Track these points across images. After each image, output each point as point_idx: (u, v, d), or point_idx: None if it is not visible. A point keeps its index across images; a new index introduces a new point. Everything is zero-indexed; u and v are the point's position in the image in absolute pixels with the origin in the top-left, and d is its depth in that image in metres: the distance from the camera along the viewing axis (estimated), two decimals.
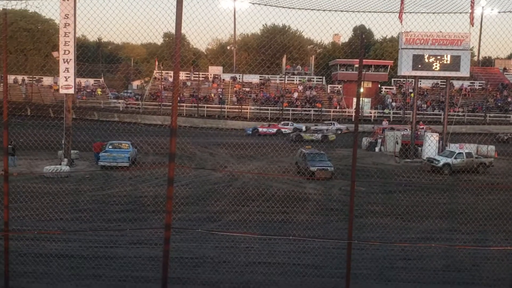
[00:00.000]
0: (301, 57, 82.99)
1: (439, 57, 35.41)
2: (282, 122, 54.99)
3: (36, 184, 22.32)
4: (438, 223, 18.20)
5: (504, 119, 61.89)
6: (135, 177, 26.31)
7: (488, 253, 13.75)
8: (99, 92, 65.58)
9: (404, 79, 65.01)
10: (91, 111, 58.35)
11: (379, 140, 41.66)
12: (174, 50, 8.88)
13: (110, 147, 29.97)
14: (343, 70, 67.95)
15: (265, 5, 9.65)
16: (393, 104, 65.63)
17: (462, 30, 35.68)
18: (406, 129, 43.02)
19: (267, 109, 61.99)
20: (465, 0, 27.26)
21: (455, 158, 31.20)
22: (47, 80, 64.64)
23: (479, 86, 69.66)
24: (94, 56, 71.47)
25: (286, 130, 50.75)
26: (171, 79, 64.21)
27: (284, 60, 71.37)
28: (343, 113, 62.97)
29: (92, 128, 46.75)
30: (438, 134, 36.89)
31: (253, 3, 9.66)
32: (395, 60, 49.18)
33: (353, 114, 59.23)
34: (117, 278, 11.40)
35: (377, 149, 41.12)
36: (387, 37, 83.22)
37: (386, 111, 63.70)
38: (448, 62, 35.41)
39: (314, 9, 10.53)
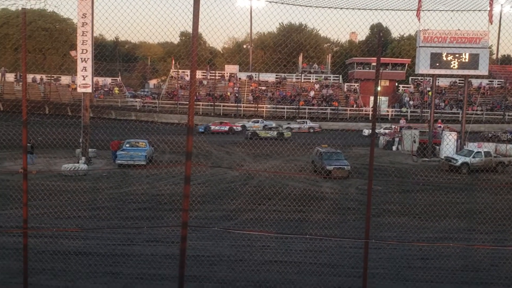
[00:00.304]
0: (318, 55, 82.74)
1: (457, 55, 35.07)
2: (253, 119, 54.91)
3: (55, 182, 22.50)
4: (456, 223, 18.03)
5: None
6: (152, 175, 26.45)
7: (507, 253, 13.60)
8: (117, 91, 66.01)
9: (422, 77, 64.56)
10: (109, 110, 58.77)
11: (397, 139, 41.40)
12: (191, 49, 8.90)
13: (127, 145, 30.19)
14: (360, 69, 67.71)
15: (282, 3, 9.62)
16: (411, 102, 65.19)
17: (481, 28, 35.29)
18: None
19: (283, 108, 61.94)
20: None
21: (474, 157, 30.90)
22: (65, 79, 65.20)
23: (497, 84, 68.92)
24: (111, 55, 72.01)
25: (238, 128, 50.60)
26: (187, 78, 64.51)
27: (300, 58, 71.27)
28: (359, 112, 62.67)
29: (110, 126, 47.10)
30: (456, 133, 36.57)
31: (270, 2, 9.63)
32: (413, 58, 48.93)
33: (370, 112, 59.02)
34: (134, 276, 11.47)
35: (394, 148, 40.88)
36: (405, 35, 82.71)
37: (404, 109, 63.30)
38: (467, 60, 35.05)
39: (331, 7, 10.48)
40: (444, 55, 35.04)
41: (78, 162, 28.24)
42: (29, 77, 61.29)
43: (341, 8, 10.47)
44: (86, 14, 28.16)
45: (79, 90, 30.12)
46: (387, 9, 11.02)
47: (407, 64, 66.29)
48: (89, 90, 29.82)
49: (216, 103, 61.81)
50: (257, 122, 53.50)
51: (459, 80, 65.57)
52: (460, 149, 34.09)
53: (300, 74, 68.84)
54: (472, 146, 33.41)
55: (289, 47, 65.00)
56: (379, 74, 9.78)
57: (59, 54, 70.34)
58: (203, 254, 13.28)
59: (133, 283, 11.07)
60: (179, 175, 24.69)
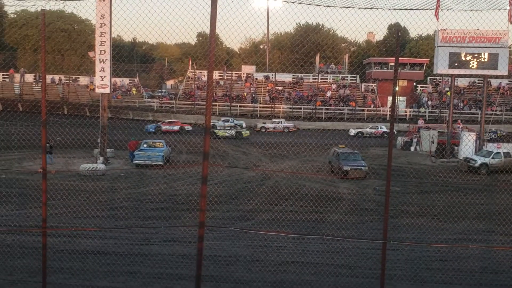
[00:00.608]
0: (335, 55, 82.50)
1: (476, 55, 34.70)
2: (223, 119, 54.49)
3: (73, 182, 22.73)
4: (475, 224, 17.82)
5: None
6: (169, 175, 26.56)
7: None
8: (134, 92, 66.42)
9: (440, 78, 64.00)
10: (126, 110, 59.18)
11: (415, 139, 41.09)
12: (208, 49, 8.91)
13: (144, 145, 30.36)
14: (377, 69, 67.34)
15: (299, 3, 9.59)
16: (429, 103, 64.65)
17: (501, 28, 34.90)
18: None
19: (300, 108, 61.84)
20: None
21: (493, 158, 30.55)
22: (83, 80, 65.78)
23: None
24: (129, 56, 72.48)
25: (189, 127, 49.60)
26: (204, 78, 64.73)
27: (317, 58, 71.07)
28: (377, 112, 62.32)
29: (127, 127, 47.38)
30: (475, 133, 36.18)
31: (287, 1, 9.60)
32: (431, 58, 48.56)
33: (388, 112, 58.67)
34: (151, 275, 11.52)
35: (412, 148, 40.59)
36: (423, 35, 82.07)
37: (422, 110, 62.83)
38: (486, 60, 34.67)
39: (348, 7, 10.43)
40: (463, 55, 34.70)
41: (96, 162, 28.44)
42: (48, 77, 61.89)
43: (359, 8, 10.42)
44: (104, 15, 28.35)
45: (97, 90, 30.29)
46: (405, 9, 10.93)
47: (425, 64, 65.82)
48: (107, 90, 30.01)
49: (232, 104, 61.91)
50: (227, 121, 53.08)
51: (478, 80, 64.85)
52: (479, 150, 33.73)
53: (317, 74, 68.68)
54: (491, 146, 33.01)
55: (306, 47, 64.91)
56: (397, 74, 9.70)
57: (77, 55, 70.99)
58: (219, 254, 13.30)
59: (151, 283, 11.12)
60: (196, 175, 24.78)
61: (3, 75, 65.74)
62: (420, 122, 52.24)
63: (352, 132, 50.81)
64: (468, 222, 18.04)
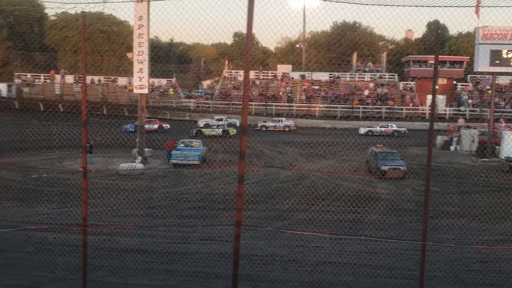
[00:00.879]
0: (373, 54, 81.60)
1: None
2: (217, 117, 54.02)
3: (112, 181, 23.07)
4: None
5: None
6: (206, 174, 26.74)
7: None
8: (171, 92, 67.15)
9: (481, 76, 62.60)
10: (164, 111, 59.89)
11: (455, 139, 40.32)
12: (244, 49, 8.92)
13: (181, 145, 30.67)
14: (416, 67, 66.34)
15: (336, 1, 9.50)
16: (469, 101, 63.27)
17: None
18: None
19: (336, 107, 61.40)
20: None
21: None
22: (122, 81, 66.90)
23: None
24: (166, 57, 73.35)
25: (167, 126, 49.07)
26: (240, 78, 64.93)
27: (354, 57, 70.45)
28: (416, 111, 61.36)
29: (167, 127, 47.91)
30: None
31: (324, 0, 9.52)
32: (471, 55, 47.46)
33: (427, 111, 57.69)
34: (189, 274, 11.61)
35: (452, 148, 39.83)
36: (463, 32, 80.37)
37: (462, 108, 61.55)
38: None
39: (386, 5, 10.26)
40: (504, 52, 33.87)
41: (134, 162, 28.86)
42: (88, 78, 63.17)
43: (397, 5, 10.24)
44: (142, 16, 28.71)
45: (136, 91, 30.70)
46: (445, 6, 10.68)
47: (465, 62, 64.49)
48: (145, 91, 30.40)
49: (268, 103, 61.90)
50: (221, 120, 52.88)
51: None
52: None
53: (354, 73, 68.05)
54: None
55: (343, 45, 64.42)
56: (437, 72, 9.52)
57: (116, 56, 72.23)
58: (256, 253, 13.30)
59: (188, 281, 11.20)
60: (232, 174, 24.86)
61: (44, 76, 67.42)
62: (460, 121, 51.16)
63: (362, 130, 50.45)
64: (510, 223, 17.57)
